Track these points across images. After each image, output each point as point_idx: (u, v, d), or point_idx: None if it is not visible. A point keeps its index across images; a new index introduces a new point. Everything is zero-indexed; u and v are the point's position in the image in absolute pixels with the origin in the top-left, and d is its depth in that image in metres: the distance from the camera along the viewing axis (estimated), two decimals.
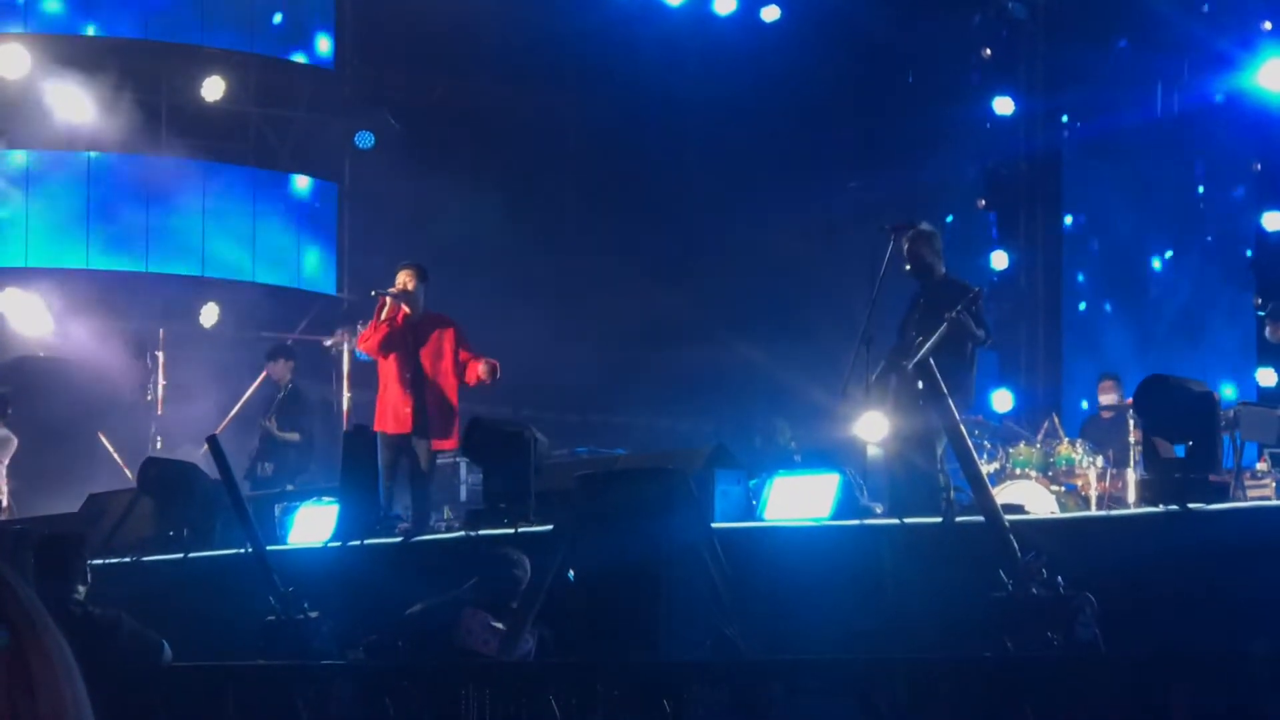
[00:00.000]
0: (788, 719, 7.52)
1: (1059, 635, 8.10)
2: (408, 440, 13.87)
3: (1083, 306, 22.92)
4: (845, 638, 9.92)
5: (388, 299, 14.02)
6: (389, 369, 14.03)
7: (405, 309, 13.99)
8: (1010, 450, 16.09)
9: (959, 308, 12.19)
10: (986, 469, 13.91)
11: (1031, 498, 14.66)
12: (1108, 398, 17.35)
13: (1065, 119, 21.82)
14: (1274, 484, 14.33)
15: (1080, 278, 23.04)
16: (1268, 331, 15.61)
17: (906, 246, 12.70)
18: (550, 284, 22.72)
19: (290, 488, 16.58)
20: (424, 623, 10.26)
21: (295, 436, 17.77)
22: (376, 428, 13.92)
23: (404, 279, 14.11)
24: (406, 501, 14.34)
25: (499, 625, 10.10)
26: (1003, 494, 13.97)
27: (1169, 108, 20.96)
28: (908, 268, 12.74)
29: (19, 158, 22.33)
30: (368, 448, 13.36)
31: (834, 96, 22.49)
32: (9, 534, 13.17)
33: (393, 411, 13.91)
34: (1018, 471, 15.71)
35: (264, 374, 18.67)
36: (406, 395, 13.85)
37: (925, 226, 12.87)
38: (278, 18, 23.31)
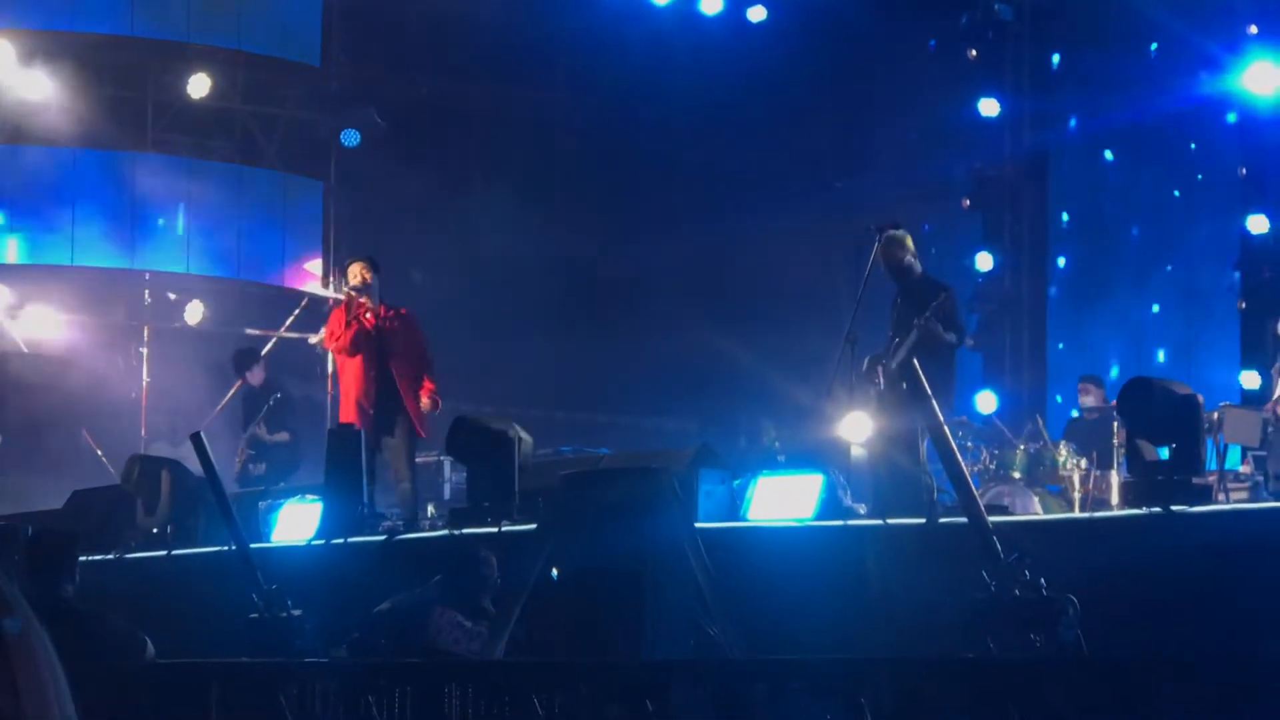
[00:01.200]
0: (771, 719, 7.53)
1: (1041, 637, 8.11)
2: (378, 438, 13.83)
3: (1066, 308, 22.93)
4: (829, 638, 9.93)
5: (353, 295, 13.97)
6: (354, 366, 13.96)
7: (368, 309, 13.94)
8: (994, 451, 16.12)
9: (926, 315, 12.29)
10: (970, 470, 13.93)
11: (1015, 499, 14.69)
12: (1088, 399, 17.39)
13: (1051, 120, 21.83)
14: (1257, 486, 14.37)
15: (1064, 280, 23.05)
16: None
17: (880, 252, 12.81)
18: (536, 282, 22.72)
19: (282, 485, 16.59)
20: (392, 621, 10.27)
21: (285, 436, 17.80)
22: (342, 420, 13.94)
23: (361, 272, 14.02)
24: (390, 500, 14.32)
25: (468, 624, 10.12)
26: (986, 495, 14.00)
27: (1155, 110, 20.97)
28: (884, 267, 12.85)
29: (1, 153, 22.27)
30: (352, 446, 13.34)
31: (820, 96, 22.51)
32: None
33: (357, 410, 13.87)
34: (1001, 473, 15.74)
35: (239, 383, 18.68)
36: (371, 393, 13.80)
37: (894, 231, 12.97)
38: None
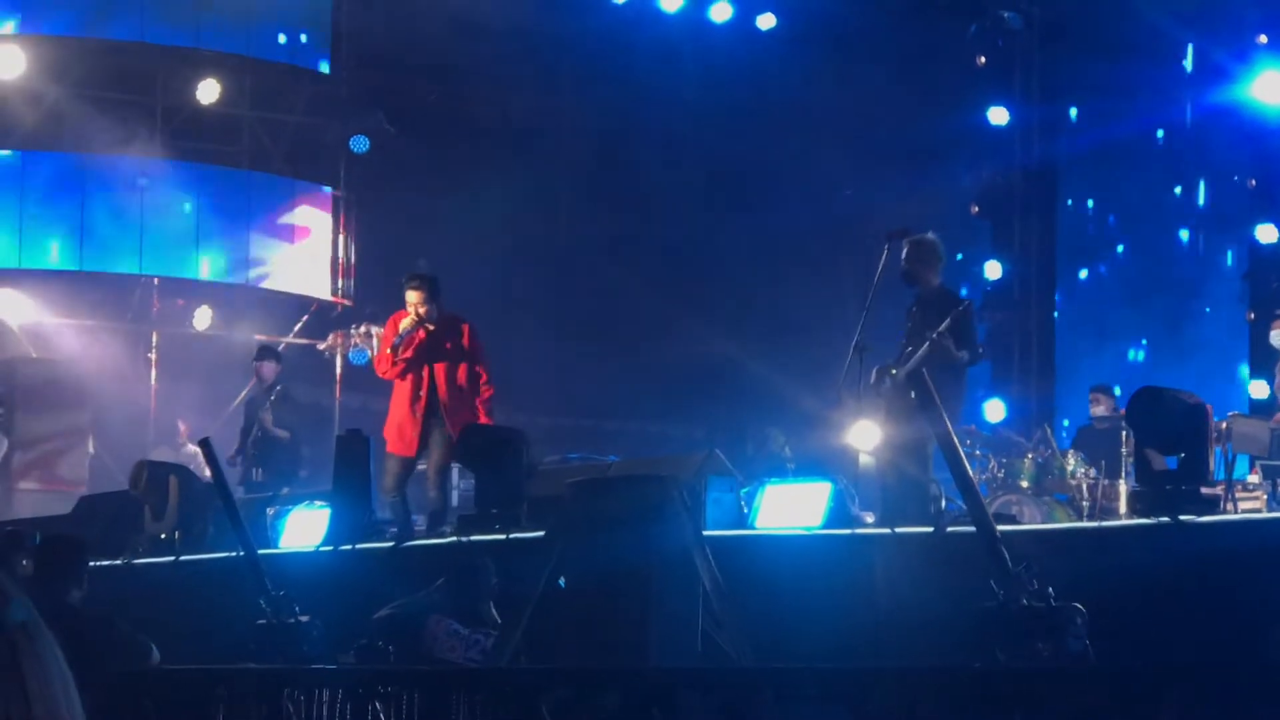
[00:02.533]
0: None
1: (1049, 646, 8.10)
2: (420, 454, 13.86)
3: (1075, 316, 22.92)
4: (836, 646, 9.92)
5: (401, 339, 13.87)
6: (402, 389, 13.90)
7: (426, 328, 13.84)
8: (1002, 460, 16.09)
9: (940, 330, 12.22)
10: (978, 479, 13.90)
11: (1023, 508, 14.67)
12: (1098, 409, 17.36)
13: (1060, 129, 21.82)
14: (1265, 496, 14.33)
15: (1072, 288, 23.03)
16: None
17: (906, 251, 12.70)
18: (544, 290, 22.74)
19: (286, 491, 16.58)
20: (390, 627, 10.27)
21: (285, 435, 17.77)
22: (388, 447, 13.87)
23: (416, 307, 13.84)
24: (409, 509, 14.29)
25: (464, 631, 10.13)
26: (994, 504, 13.98)
27: (1163, 119, 20.95)
28: (904, 268, 12.73)
29: (12, 158, 22.32)
30: (360, 452, 13.34)
31: (829, 104, 22.50)
32: (1, 535, 13.16)
33: (399, 433, 13.84)
34: (1009, 481, 15.71)
35: (253, 381, 18.69)
36: (416, 418, 13.77)
37: (930, 236, 12.86)
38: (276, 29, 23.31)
